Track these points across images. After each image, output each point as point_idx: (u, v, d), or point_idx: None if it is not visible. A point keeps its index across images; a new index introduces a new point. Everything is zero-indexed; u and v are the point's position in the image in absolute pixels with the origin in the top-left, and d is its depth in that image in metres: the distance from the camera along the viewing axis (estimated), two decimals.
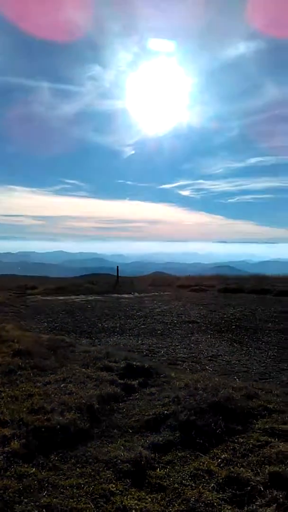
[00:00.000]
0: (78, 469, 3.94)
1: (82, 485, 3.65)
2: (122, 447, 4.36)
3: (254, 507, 3.36)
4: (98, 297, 18.60)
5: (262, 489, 3.56)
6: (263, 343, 10.13)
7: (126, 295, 19.48)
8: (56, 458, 4.16)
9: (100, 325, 12.04)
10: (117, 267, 27.73)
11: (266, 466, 3.88)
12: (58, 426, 4.60)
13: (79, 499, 3.46)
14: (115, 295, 19.57)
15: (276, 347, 9.71)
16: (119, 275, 26.68)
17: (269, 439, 4.43)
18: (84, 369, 6.71)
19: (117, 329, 11.50)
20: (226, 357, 8.78)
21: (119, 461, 4.04)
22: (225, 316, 13.72)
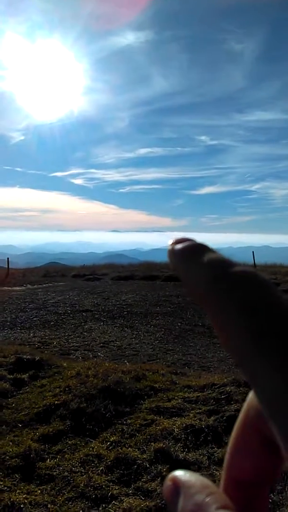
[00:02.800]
0: None
1: None
2: (11, 443, 4.25)
3: (140, 483, 3.53)
4: None
5: (148, 465, 3.75)
6: (152, 326, 10.55)
7: (17, 288, 18.80)
8: None
9: None
10: (8, 258, 26.63)
11: (151, 443, 4.08)
12: None
13: None
14: (6, 288, 18.77)
15: (163, 329, 10.19)
16: (10, 267, 25.64)
17: (155, 417, 4.66)
18: None
19: (8, 323, 11.08)
20: (117, 342, 8.98)
21: (7, 457, 3.95)
22: (117, 303, 13.97)
